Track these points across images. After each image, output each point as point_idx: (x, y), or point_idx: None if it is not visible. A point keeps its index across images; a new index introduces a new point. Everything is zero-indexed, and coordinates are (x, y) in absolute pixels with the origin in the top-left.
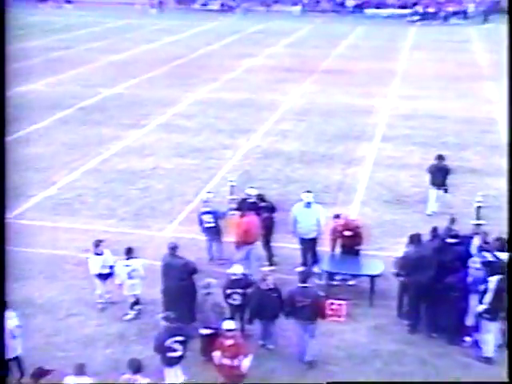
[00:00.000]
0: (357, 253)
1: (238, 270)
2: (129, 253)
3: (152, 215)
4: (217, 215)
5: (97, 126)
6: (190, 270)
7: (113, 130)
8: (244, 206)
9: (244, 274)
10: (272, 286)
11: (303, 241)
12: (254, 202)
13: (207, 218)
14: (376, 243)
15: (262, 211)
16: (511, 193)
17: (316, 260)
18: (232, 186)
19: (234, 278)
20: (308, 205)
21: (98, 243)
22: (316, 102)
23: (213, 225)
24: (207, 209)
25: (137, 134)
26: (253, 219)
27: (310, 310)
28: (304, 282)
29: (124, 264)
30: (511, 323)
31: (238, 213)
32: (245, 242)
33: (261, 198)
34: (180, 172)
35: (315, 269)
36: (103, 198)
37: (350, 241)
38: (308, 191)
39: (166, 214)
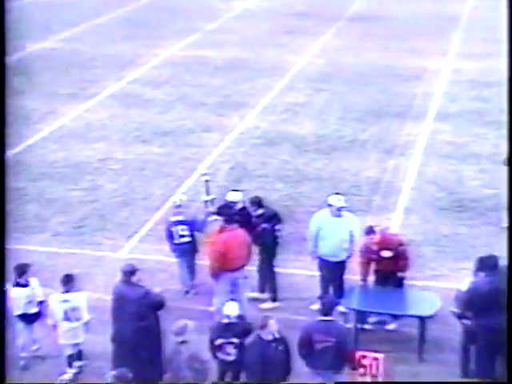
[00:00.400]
0: (399, 283)
1: (232, 309)
2: (67, 283)
3: (101, 227)
4: (194, 226)
5: (19, 97)
6: (153, 304)
7: (43, 103)
8: (226, 215)
9: (240, 317)
10: (277, 336)
11: (327, 265)
12: (243, 208)
13: (180, 230)
14: (428, 269)
15: (258, 221)
16: (511, 189)
17: (341, 293)
18: (206, 181)
19: (226, 321)
20: (338, 213)
21: (21, 269)
22: (340, 63)
23: (187, 239)
24: (180, 217)
25: (78, 109)
26: (237, 235)
27: (333, 354)
28: (326, 314)
29: (60, 299)
30: (511, 324)
31: (219, 221)
32: (224, 268)
33: (256, 202)
34: (142, 165)
35: (340, 307)
36: (28, 202)
37: (390, 265)
38: (337, 193)
39: (122, 225)
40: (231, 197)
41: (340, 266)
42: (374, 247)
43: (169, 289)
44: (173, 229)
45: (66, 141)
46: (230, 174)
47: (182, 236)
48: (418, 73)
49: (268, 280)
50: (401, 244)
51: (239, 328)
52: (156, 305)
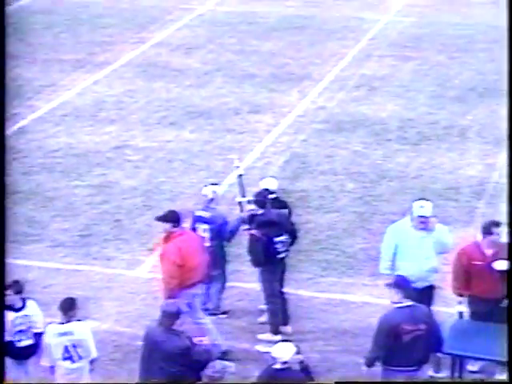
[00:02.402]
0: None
1: (285, 351)
2: (68, 309)
3: (115, 237)
4: (217, 227)
5: (9, 64)
6: (194, 362)
7: (40, 72)
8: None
9: (302, 362)
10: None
11: (409, 292)
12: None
13: (202, 230)
14: None
15: (251, 227)
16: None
17: None
18: (240, 176)
19: (277, 366)
20: (424, 221)
21: (14, 288)
22: (435, 22)
23: (207, 244)
24: (206, 214)
25: (86, 81)
26: (191, 239)
27: (424, 344)
28: (405, 297)
29: (59, 331)
30: (511, 323)
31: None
32: (182, 284)
33: (261, 197)
34: (170, 156)
35: None
36: (20, 202)
37: (499, 285)
38: (422, 199)
39: (142, 234)
40: (267, 184)
41: (427, 293)
42: (489, 252)
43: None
44: (196, 226)
45: (70, 122)
46: (284, 170)
47: (202, 238)
48: None
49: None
50: None
51: (293, 375)
52: (198, 364)
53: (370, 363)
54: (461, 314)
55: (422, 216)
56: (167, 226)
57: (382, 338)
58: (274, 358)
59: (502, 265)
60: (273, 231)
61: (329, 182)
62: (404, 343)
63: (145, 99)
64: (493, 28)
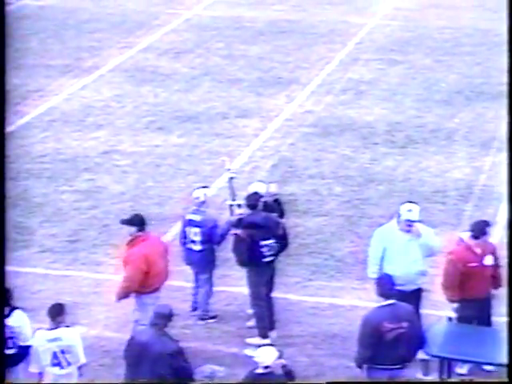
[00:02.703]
0: (488, 317)
1: (267, 356)
2: (56, 315)
3: (103, 242)
4: (208, 230)
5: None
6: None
7: (27, 78)
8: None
9: (284, 366)
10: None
11: (397, 295)
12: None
13: (193, 233)
14: None
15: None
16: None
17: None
18: (231, 179)
19: (260, 371)
20: (411, 224)
21: (4, 295)
22: (421, 26)
23: (198, 247)
24: (197, 217)
25: (74, 86)
26: (155, 243)
27: (407, 342)
28: (388, 297)
29: (47, 337)
30: (511, 323)
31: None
32: (142, 290)
33: (252, 199)
34: (158, 160)
35: (420, 354)
36: (8, 208)
37: (489, 280)
38: (410, 202)
39: None
40: (255, 188)
41: (415, 296)
42: (479, 251)
43: (191, 325)
44: (186, 229)
45: (58, 127)
46: (272, 174)
47: (193, 242)
48: None
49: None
50: (495, 250)
51: (279, 379)
52: (186, 369)
53: (359, 364)
54: (450, 319)
55: (409, 220)
56: (132, 229)
57: (367, 338)
58: (256, 363)
59: (489, 260)
60: (259, 234)
61: (317, 186)
62: (387, 341)
63: (132, 104)
64: (479, 31)
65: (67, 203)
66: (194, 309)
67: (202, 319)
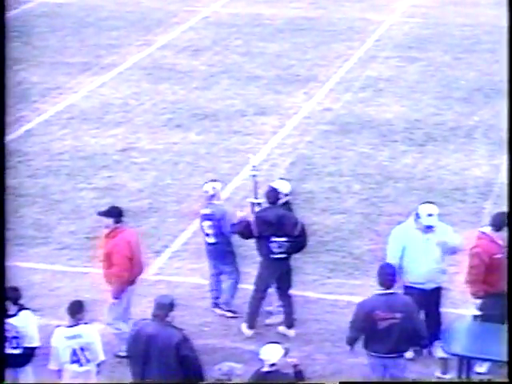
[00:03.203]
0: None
1: (273, 353)
2: (76, 312)
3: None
4: (218, 222)
5: (15, 67)
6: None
7: (46, 75)
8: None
9: (295, 366)
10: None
11: (417, 295)
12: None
13: (207, 226)
14: None
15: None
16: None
17: (438, 331)
18: (253, 176)
19: (265, 369)
20: (429, 227)
21: (11, 295)
22: (441, 23)
23: (212, 240)
24: (208, 211)
25: (92, 84)
26: (134, 234)
27: (399, 333)
28: (388, 287)
29: (67, 334)
30: (511, 323)
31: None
32: (129, 279)
33: (273, 194)
34: (176, 158)
35: (439, 352)
36: (27, 205)
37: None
38: (429, 202)
39: (149, 237)
40: (278, 186)
41: (435, 295)
42: (501, 242)
43: (209, 322)
44: (203, 223)
45: (76, 125)
46: (290, 171)
47: (208, 235)
48: None
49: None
50: None
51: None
52: (192, 359)
53: (348, 343)
54: (475, 317)
55: (429, 226)
56: (110, 221)
57: (358, 322)
58: (261, 361)
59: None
60: (270, 230)
61: (335, 184)
62: (379, 330)
63: (151, 101)
64: (498, 28)
65: (86, 200)
66: (215, 302)
67: (220, 308)
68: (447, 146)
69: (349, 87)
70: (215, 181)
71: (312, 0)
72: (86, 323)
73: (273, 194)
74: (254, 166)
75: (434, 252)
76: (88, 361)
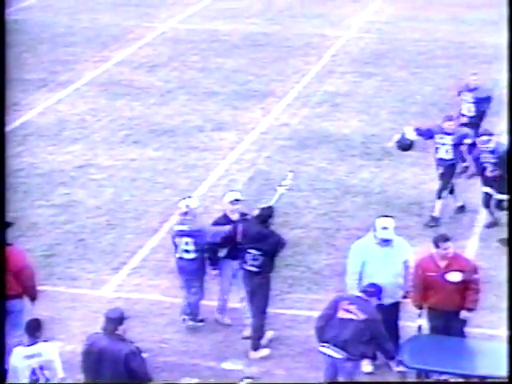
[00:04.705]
0: (461, 328)
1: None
2: (34, 331)
3: (79, 256)
4: (197, 238)
5: None
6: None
7: (8, 92)
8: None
9: None
10: None
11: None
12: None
13: (184, 243)
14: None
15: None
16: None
17: (397, 345)
18: (281, 194)
19: None
20: (385, 241)
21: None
22: (396, 38)
23: (192, 256)
24: (185, 227)
25: (49, 100)
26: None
27: (354, 332)
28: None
29: (25, 353)
30: (511, 321)
31: None
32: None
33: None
34: (133, 174)
35: (398, 367)
36: None
37: (455, 297)
38: (385, 216)
39: (107, 254)
40: (231, 196)
41: (394, 310)
42: (442, 264)
43: (168, 339)
44: (176, 240)
45: (33, 142)
46: (249, 187)
47: (186, 251)
48: (502, 52)
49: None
50: (475, 271)
51: None
52: (138, 373)
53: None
54: (420, 328)
55: (384, 239)
56: None
57: (326, 309)
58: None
59: (455, 276)
60: (247, 242)
61: (293, 199)
62: (338, 318)
63: (108, 118)
64: (452, 44)
65: (43, 218)
66: (186, 313)
67: (193, 320)
68: (404, 161)
69: (306, 102)
70: (189, 197)
71: (269, 16)
72: (45, 341)
73: (266, 213)
74: (283, 185)
75: (393, 267)
76: (47, 379)
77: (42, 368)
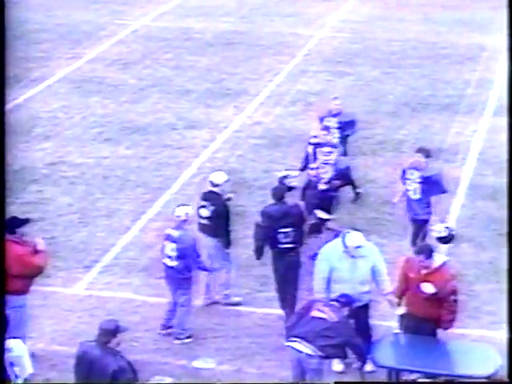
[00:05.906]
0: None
1: None
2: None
3: (51, 254)
4: (183, 248)
5: None
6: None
7: None
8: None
9: None
10: None
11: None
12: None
13: (170, 249)
14: (484, 313)
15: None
16: (511, 193)
17: (369, 345)
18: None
19: None
20: (356, 246)
21: None
22: (369, 38)
23: (174, 263)
24: (175, 233)
25: (20, 97)
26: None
27: (323, 331)
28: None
29: None
30: (511, 319)
31: None
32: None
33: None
34: (106, 172)
35: (368, 366)
36: None
37: (427, 309)
38: (355, 229)
39: (78, 252)
40: (215, 178)
41: (363, 311)
42: (423, 271)
43: (140, 337)
44: (164, 243)
45: (5, 138)
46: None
47: (169, 257)
48: (474, 53)
49: None
50: (453, 292)
51: None
52: None
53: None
54: (401, 317)
55: (356, 256)
56: None
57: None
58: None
59: (428, 288)
60: (275, 222)
61: (266, 197)
62: (309, 317)
63: (80, 115)
64: (424, 44)
65: (14, 215)
66: (165, 326)
67: (178, 338)
68: (376, 160)
69: (279, 101)
70: (187, 205)
71: (242, 14)
72: (14, 337)
73: (278, 190)
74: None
75: (360, 275)
76: (17, 377)
77: (12, 364)
